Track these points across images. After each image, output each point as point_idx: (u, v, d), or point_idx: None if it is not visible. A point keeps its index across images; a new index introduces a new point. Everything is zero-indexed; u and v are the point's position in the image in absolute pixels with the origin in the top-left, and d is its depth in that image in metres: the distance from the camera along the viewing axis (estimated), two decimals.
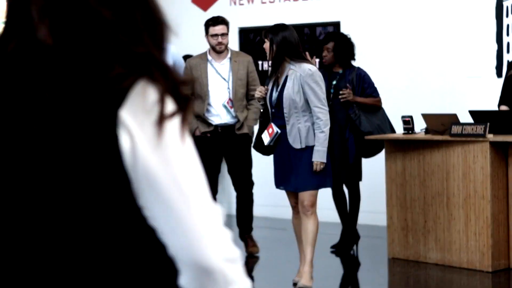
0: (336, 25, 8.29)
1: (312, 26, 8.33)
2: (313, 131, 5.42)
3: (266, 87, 5.61)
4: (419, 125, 6.99)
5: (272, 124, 5.51)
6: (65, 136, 1.35)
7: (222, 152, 6.63)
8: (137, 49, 1.36)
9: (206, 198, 1.39)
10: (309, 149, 5.43)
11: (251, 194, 6.79)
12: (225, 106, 6.49)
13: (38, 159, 1.37)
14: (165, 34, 1.41)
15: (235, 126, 6.52)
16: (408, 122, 6.50)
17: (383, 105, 6.90)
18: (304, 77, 5.38)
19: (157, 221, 1.38)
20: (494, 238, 5.99)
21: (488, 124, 5.96)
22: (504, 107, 6.54)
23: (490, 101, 7.03)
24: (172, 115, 1.35)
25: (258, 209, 7.41)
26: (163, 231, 1.38)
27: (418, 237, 6.37)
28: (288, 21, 8.73)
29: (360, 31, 8.07)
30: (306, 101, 5.42)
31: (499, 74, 7.41)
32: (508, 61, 7.33)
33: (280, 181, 5.64)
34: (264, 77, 6.68)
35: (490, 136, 5.96)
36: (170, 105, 1.35)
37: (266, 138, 5.56)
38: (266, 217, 8.20)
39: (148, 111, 1.34)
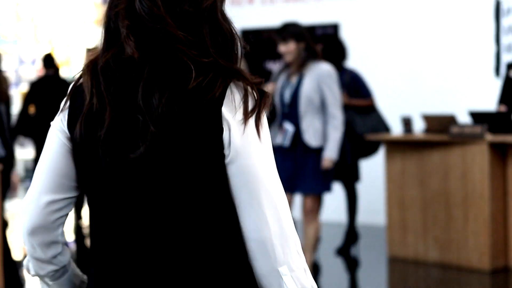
0: (336, 26, 8.34)
1: (311, 28, 8.37)
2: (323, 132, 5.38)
3: (274, 83, 5.49)
4: (419, 125, 7.04)
5: (285, 123, 5.41)
6: (187, 130, 1.64)
7: None
8: (203, 59, 1.65)
9: (277, 180, 1.67)
10: (317, 153, 5.39)
11: None
12: None
13: (169, 147, 1.64)
14: (232, 44, 1.71)
15: None
16: (407, 122, 6.54)
17: (382, 106, 6.93)
18: (322, 77, 5.31)
19: (238, 195, 1.66)
20: (493, 237, 6.03)
21: (487, 125, 6.00)
22: (502, 107, 6.58)
23: (489, 101, 7.08)
24: (253, 108, 1.66)
25: None
26: (248, 225, 1.66)
27: (417, 237, 6.40)
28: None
29: (359, 32, 8.12)
30: (321, 102, 5.36)
31: (497, 75, 7.46)
32: (507, 62, 7.36)
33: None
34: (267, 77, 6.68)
35: (489, 137, 6.00)
36: (251, 100, 1.66)
37: (279, 137, 5.44)
38: None
39: (237, 106, 1.65)
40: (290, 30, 5.43)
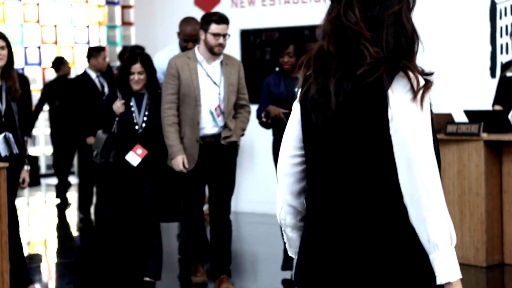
0: None
1: (312, 28, 8.51)
2: None
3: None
4: None
5: None
6: (366, 105, 2.18)
7: (205, 164, 5.71)
8: (380, 55, 2.17)
9: (430, 150, 2.16)
10: None
11: (229, 222, 5.82)
12: (211, 113, 5.65)
13: (350, 115, 2.21)
14: (411, 42, 2.23)
15: (220, 135, 5.66)
16: None
17: None
18: None
19: (398, 170, 2.18)
20: (488, 234, 6.18)
21: (482, 123, 6.15)
22: (498, 107, 6.73)
23: (485, 101, 7.22)
24: (415, 92, 2.15)
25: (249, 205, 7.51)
26: (400, 175, 2.18)
27: None
28: (288, 23, 8.97)
29: None
30: None
31: (493, 75, 7.60)
32: (501, 62, 7.53)
33: None
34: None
35: (484, 135, 6.14)
36: (413, 86, 2.15)
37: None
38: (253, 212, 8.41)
39: (401, 90, 2.16)
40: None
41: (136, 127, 5.67)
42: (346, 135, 2.24)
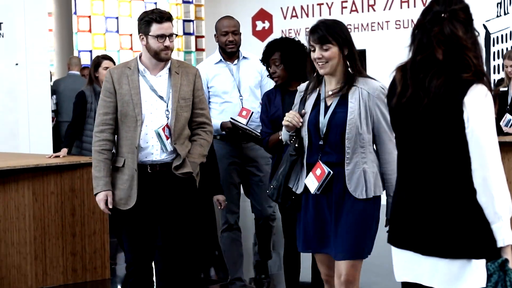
0: (362, 53, 9.30)
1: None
2: (380, 175, 3.76)
3: (303, 110, 3.79)
4: None
5: (321, 163, 3.73)
6: (441, 104, 2.64)
7: (156, 201, 4.36)
8: (476, 64, 2.64)
9: (497, 148, 2.63)
10: (370, 201, 3.71)
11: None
12: (158, 134, 4.27)
13: (433, 115, 2.67)
14: (481, 59, 2.67)
15: (171, 164, 4.31)
16: None
17: None
18: (374, 98, 3.68)
19: (472, 158, 2.64)
20: None
21: None
22: None
23: None
24: (483, 100, 2.61)
25: None
26: (473, 163, 2.63)
27: None
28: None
29: (383, 59, 9.27)
30: (373, 132, 3.74)
31: None
32: (494, 79, 8.71)
33: (313, 243, 3.80)
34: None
35: None
36: (484, 96, 2.61)
37: (313, 183, 3.77)
38: None
39: (478, 98, 2.60)
40: (326, 27, 3.85)
41: None
42: (430, 127, 2.69)
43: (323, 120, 3.71)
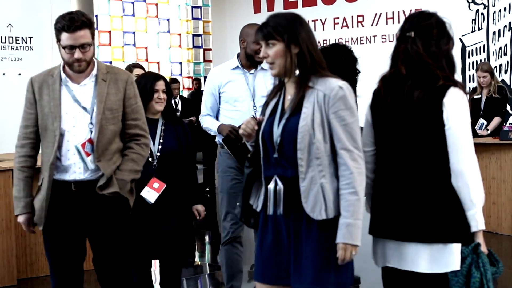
0: None
1: None
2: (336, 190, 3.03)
3: (260, 117, 3.19)
4: None
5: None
6: (424, 109, 2.87)
7: (81, 225, 3.78)
8: (443, 74, 2.87)
9: (472, 144, 2.85)
10: (332, 222, 2.98)
11: None
12: (78, 150, 3.66)
13: (417, 118, 2.90)
14: (454, 66, 2.94)
15: (95, 182, 3.69)
16: None
17: None
18: (330, 100, 2.94)
19: (450, 153, 2.86)
20: None
21: None
22: None
23: None
24: (459, 101, 2.85)
25: None
26: (451, 157, 2.86)
27: None
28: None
29: (372, 71, 9.94)
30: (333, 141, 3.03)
31: None
32: (469, 87, 9.30)
33: (269, 273, 3.10)
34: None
35: None
36: (462, 96, 2.87)
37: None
38: None
39: (454, 99, 2.84)
40: (277, 24, 3.18)
41: (150, 159, 4.31)
42: (412, 128, 2.89)
43: (277, 130, 3.00)
